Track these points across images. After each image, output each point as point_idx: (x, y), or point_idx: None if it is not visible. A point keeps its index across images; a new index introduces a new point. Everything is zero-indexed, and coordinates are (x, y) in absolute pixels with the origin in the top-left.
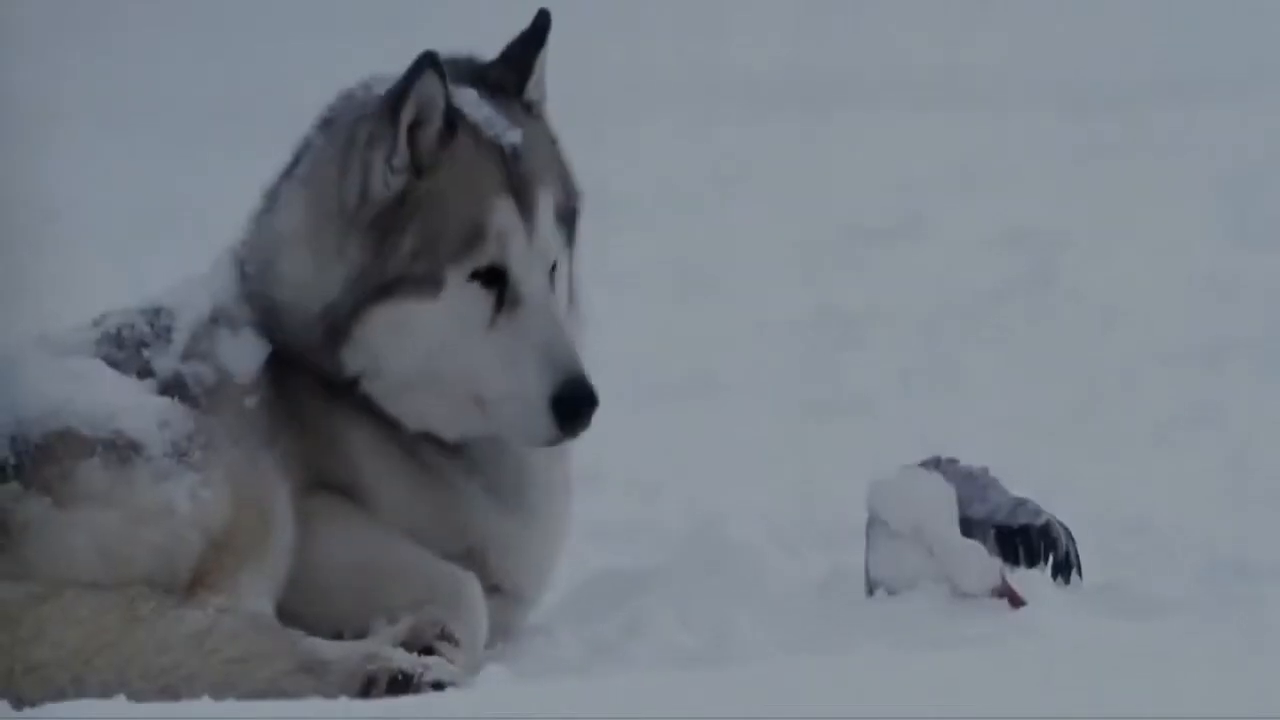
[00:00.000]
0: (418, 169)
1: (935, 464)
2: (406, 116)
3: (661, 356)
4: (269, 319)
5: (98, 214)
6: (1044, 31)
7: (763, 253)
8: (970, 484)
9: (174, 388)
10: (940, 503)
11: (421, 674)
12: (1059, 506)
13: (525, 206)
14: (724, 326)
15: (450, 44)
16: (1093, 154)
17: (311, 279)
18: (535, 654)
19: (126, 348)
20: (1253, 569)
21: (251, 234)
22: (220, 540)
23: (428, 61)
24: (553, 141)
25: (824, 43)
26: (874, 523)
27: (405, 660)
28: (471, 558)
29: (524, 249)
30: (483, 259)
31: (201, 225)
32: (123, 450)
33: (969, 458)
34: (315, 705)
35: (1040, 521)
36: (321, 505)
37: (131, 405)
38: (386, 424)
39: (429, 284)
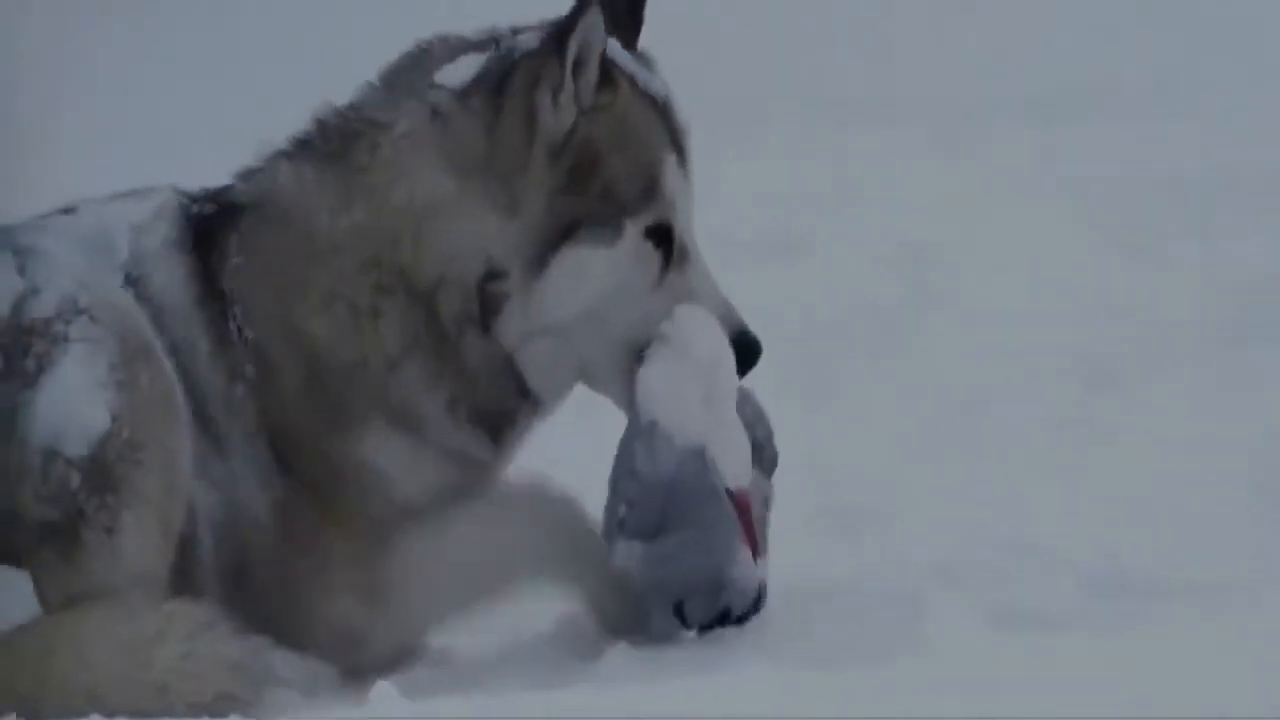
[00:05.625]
0: (581, 109)
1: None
2: (572, 52)
3: None
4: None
5: None
6: (911, 50)
7: None
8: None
9: None
10: (734, 378)
11: None
12: (940, 520)
13: (683, 163)
14: None
15: None
16: (966, 170)
17: (472, 242)
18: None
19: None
20: (1131, 583)
21: (348, 225)
22: None
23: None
24: None
25: (707, 60)
26: (663, 341)
27: None
28: None
29: (687, 207)
30: (656, 216)
31: None
32: None
33: (849, 473)
34: None
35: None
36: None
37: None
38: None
39: (609, 230)
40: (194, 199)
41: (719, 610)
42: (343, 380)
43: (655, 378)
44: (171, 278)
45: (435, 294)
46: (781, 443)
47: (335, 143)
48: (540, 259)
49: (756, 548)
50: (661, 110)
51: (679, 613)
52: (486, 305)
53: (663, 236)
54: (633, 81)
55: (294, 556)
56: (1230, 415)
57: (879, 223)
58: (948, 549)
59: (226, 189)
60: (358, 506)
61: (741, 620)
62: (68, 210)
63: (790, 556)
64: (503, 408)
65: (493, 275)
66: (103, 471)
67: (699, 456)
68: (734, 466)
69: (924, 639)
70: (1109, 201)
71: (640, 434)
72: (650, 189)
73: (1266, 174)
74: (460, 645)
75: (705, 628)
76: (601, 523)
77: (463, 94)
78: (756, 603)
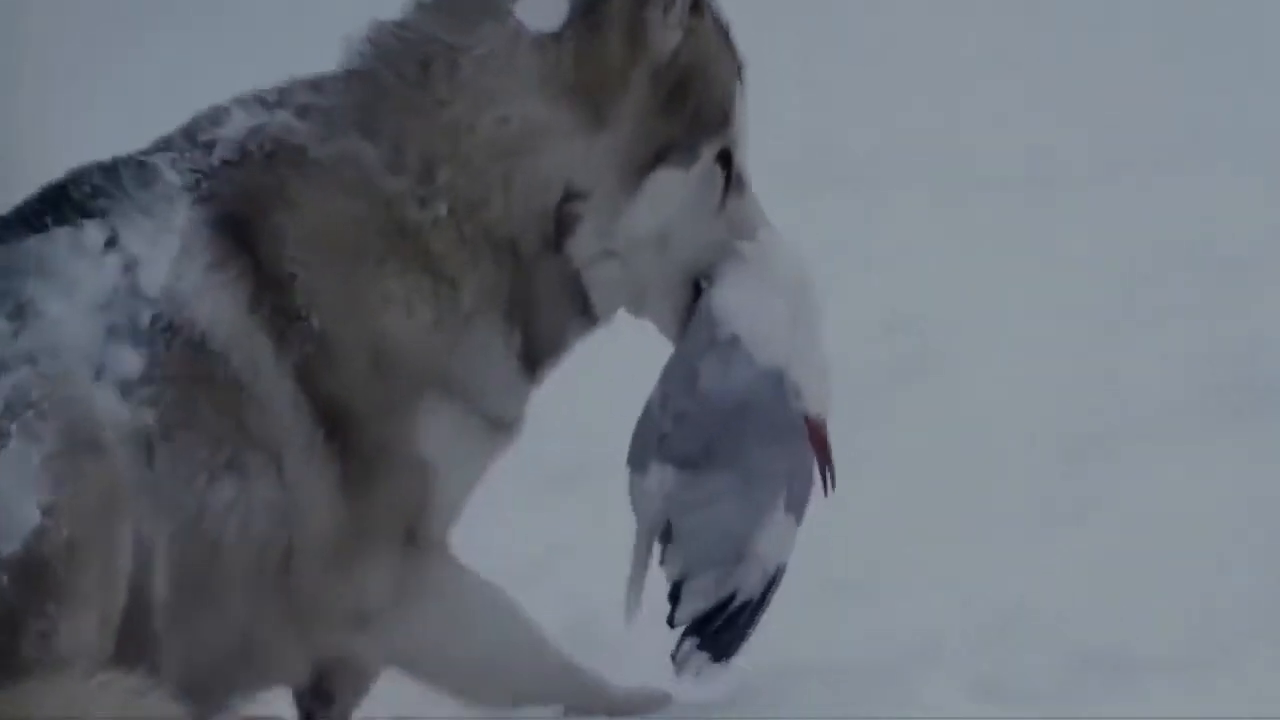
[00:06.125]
0: (683, 30)
1: None
2: None
3: (536, 443)
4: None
5: None
6: (920, 113)
7: (638, 344)
8: None
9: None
10: (819, 305)
11: None
12: (926, 592)
13: (744, 92)
14: (603, 414)
15: None
16: (971, 239)
17: (558, 168)
18: None
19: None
20: (1119, 659)
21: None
22: None
23: None
24: None
25: None
26: (740, 259)
27: None
28: None
29: (745, 136)
30: (725, 141)
31: None
32: None
33: (833, 544)
34: None
35: None
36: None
37: None
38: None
39: (688, 154)
40: (214, 174)
41: (721, 597)
42: (408, 349)
43: (738, 294)
44: (218, 302)
45: (520, 237)
46: None
47: (409, 68)
48: (631, 181)
49: (832, 474)
50: (728, 37)
51: (674, 596)
52: (561, 225)
53: (725, 162)
54: (712, 7)
55: (340, 528)
56: (1222, 489)
57: (866, 293)
58: (933, 621)
59: (262, 135)
60: (399, 495)
61: (731, 644)
62: (102, 194)
63: (773, 628)
64: (560, 333)
65: (571, 196)
66: (38, 571)
67: (777, 380)
68: (816, 393)
69: (908, 713)
70: (1103, 271)
71: (715, 348)
72: (725, 114)
73: (1265, 243)
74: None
75: (691, 631)
76: (629, 449)
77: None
78: (766, 593)
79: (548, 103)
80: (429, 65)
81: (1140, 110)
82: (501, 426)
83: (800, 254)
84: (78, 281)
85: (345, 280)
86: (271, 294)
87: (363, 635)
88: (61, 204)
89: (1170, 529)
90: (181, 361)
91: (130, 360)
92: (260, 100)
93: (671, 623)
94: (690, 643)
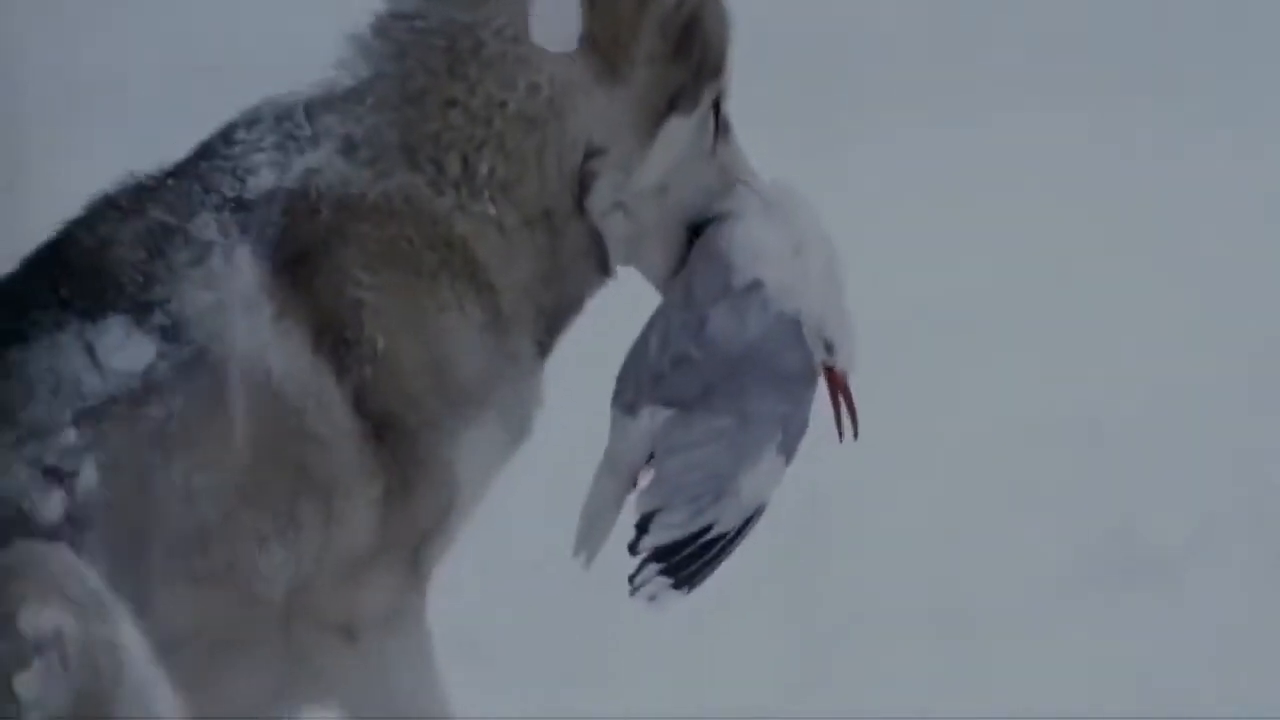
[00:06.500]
0: None
1: None
2: None
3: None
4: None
5: None
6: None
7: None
8: None
9: None
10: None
11: None
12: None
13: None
14: (495, 582)
15: None
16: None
17: (582, 128)
18: None
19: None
20: None
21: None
22: None
23: None
24: None
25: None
26: (761, 201)
27: None
28: None
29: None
30: (720, 86)
31: None
32: None
33: (729, 676)
34: None
35: None
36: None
37: None
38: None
39: (692, 99)
40: (274, 235)
41: (694, 529)
42: (460, 359)
43: (762, 238)
44: (290, 357)
45: (555, 207)
46: (668, 660)
47: (435, 60)
48: (646, 132)
49: (855, 420)
50: None
51: (641, 526)
52: (582, 184)
53: (715, 107)
54: None
55: (368, 540)
56: (1098, 662)
57: None
58: None
59: (312, 185)
60: (426, 509)
61: (697, 573)
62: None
63: None
64: (580, 296)
65: (591, 153)
66: None
67: (794, 327)
68: (846, 349)
69: None
70: (981, 443)
71: (730, 295)
72: (722, 62)
73: (1143, 419)
74: None
75: (656, 557)
76: (616, 388)
77: None
78: (743, 528)
79: (569, 62)
80: (453, 50)
81: (1019, 278)
82: (516, 440)
83: (816, 209)
84: (135, 381)
85: (406, 294)
86: (333, 329)
87: (348, 649)
88: (107, 290)
89: (1048, 701)
90: (258, 428)
91: (198, 465)
92: (289, 135)
93: (633, 550)
94: (653, 567)
